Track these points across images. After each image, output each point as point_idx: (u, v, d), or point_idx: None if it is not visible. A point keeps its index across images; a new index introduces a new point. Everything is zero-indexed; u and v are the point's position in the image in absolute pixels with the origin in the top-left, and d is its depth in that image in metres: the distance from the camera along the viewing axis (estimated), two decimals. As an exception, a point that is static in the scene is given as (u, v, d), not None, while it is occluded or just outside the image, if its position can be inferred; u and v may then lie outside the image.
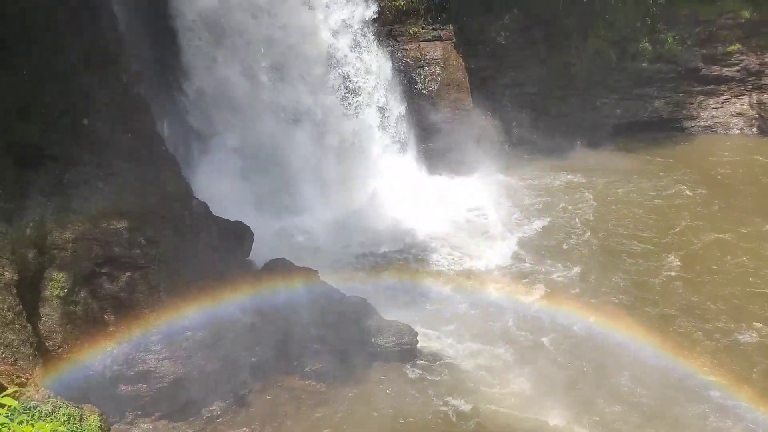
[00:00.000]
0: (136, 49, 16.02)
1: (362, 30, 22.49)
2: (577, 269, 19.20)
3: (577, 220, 22.42)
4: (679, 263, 19.43)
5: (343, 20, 21.82)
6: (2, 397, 4.44)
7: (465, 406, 13.95)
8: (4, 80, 10.08)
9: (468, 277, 19.01)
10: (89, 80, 11.95)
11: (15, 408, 5.37)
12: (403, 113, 24.44)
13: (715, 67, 29.50)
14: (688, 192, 24.24)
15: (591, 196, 24.10)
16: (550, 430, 13.33)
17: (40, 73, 10.86)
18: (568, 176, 25.95)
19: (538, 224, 22.20)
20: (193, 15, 19.60)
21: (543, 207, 23.54)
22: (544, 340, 16.14)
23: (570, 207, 23.40)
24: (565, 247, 20.76)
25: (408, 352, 15.26)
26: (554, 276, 19.01)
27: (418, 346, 15.45)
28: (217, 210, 15.39)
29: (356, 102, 22.67)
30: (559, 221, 22.40)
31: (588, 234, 21.42)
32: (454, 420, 13.67)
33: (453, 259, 20.03)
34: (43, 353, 10.32)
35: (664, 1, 28.05)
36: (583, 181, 25.54)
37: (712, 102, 29.93)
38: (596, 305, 17.48)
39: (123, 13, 15.72)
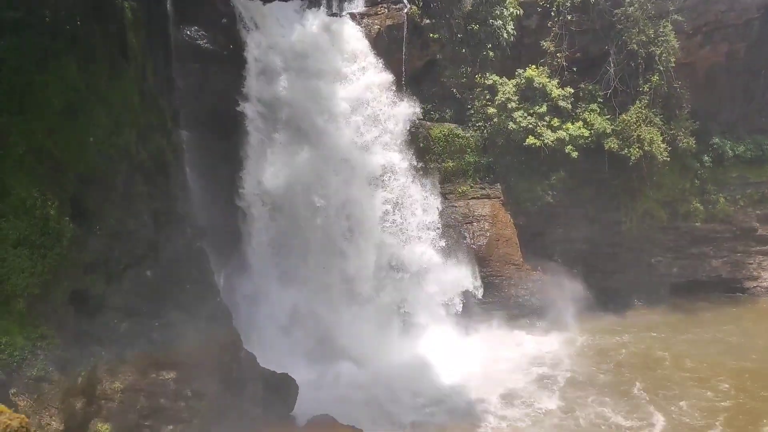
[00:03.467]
0: (205, 208, 17.20)
1: None
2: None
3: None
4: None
5: None
6: None
7: None
8: (79, 237, 10.93)
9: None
10: (156, 236, 12.81)
11: None
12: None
13: (771, 228, 29.00)
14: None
15: (667, 360, 22.24)
16: None
17: (111, 230, 11.75)
18: (629, 336, 24.58)
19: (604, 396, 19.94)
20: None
21: (610, 376, 21.21)
22: None
23: (643, 377, 20.86)
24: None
25: None
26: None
27: None
28: (265, 358, 15.48)
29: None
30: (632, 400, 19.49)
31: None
32: None
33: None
34: None
35: (711, 164, 28.46)
36: (650, 341, 23.99)
37: (772, 262, 29.04)
38: None
39: (196, 177, 17.23)
